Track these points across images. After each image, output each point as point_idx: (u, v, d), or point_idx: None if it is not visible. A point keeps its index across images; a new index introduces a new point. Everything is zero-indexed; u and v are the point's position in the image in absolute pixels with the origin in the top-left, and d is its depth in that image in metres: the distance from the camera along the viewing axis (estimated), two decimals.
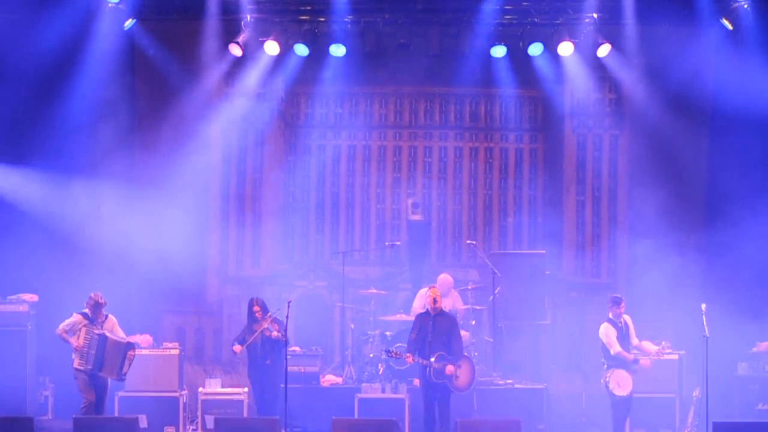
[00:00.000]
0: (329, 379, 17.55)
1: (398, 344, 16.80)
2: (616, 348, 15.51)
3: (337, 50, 18.51)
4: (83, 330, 15.59)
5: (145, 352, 16.71)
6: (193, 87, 18.77)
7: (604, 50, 18.28)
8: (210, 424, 16.23)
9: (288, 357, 15.51)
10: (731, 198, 18.02)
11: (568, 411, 17.45)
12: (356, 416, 16.30)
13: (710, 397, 15.06)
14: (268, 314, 16.40)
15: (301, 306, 18.67)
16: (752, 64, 17.76)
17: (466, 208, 19.37)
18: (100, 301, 15.64)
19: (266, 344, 16.33)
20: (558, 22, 18.41)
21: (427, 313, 15.68)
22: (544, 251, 18.38)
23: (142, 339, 16.80)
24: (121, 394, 16.62)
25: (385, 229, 19.32)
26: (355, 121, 19.33)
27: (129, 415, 15.55)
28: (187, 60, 18.69)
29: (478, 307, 17.95)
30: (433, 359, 15.37)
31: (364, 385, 16.85)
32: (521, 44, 18.65)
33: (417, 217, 18.98)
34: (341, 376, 17.64)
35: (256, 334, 16.30)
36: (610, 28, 18.37)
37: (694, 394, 16.67)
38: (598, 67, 18.78)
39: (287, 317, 15.32)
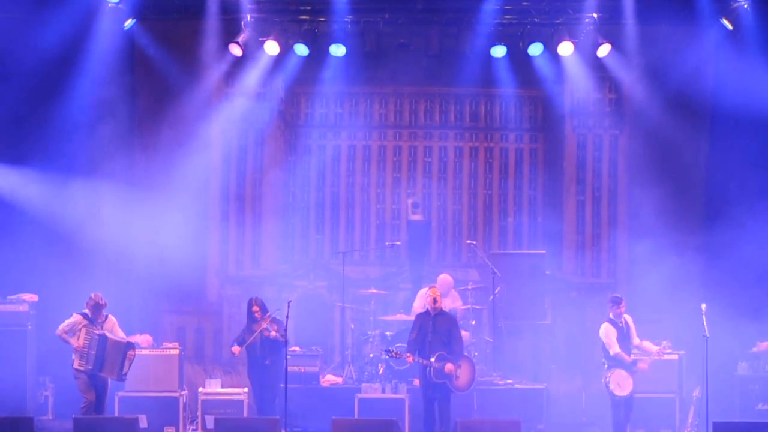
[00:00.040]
0: (329, 379, 17.54)
1: (398, 344, 16.78)
2: (615, 349, 15.49)
3: (337, 50, 18.50)
4: (83, 330, 15.56)
5: (145, 352, 16.70)
6: (193, 87, 18.76)
7: (604, 50, 18.27)
8: (210, 424, 16.22)
9: (288, 357, 15.49)
10: (731, 198, 18.02)
11: (568, 411, 17.45)
12: (356, 416, 16.28)
13: (710, 397, 15.05)
14: (267, 314, 16.39)
15: (301, 306, 18.67)
16: (752, 64, 17.75)
17: (466, 208, 19.36)
18: (100, 302, 15.61)
19: (266, 344, 16.33)
20: (558, 22, 18.40)
21: (427, 313, 15.68)
22: (544, 251, 18.38)
23: (142, 339, 16.79)
24: (121, 394, 16.61)
25: (385, 229, 19.31)
26: (355, 121, 19.32)
27: (129, 415, 15.55)
28: (186, 60, 18.68)
29: (478, 307, 17.94)
30: (433, 359, 15.36)
31: (364, 385, 16.83)
32: (521, 44, 18.65)
33: (417, 217, 18.97)
34: (341, 376, 17.63)
35: (255, 334, 16.30)
36: (610, 28, 18.36)
37: (694, 394, 16.67)
38: (598, 67, 18.77)
39: (287, 317, 15.30)
